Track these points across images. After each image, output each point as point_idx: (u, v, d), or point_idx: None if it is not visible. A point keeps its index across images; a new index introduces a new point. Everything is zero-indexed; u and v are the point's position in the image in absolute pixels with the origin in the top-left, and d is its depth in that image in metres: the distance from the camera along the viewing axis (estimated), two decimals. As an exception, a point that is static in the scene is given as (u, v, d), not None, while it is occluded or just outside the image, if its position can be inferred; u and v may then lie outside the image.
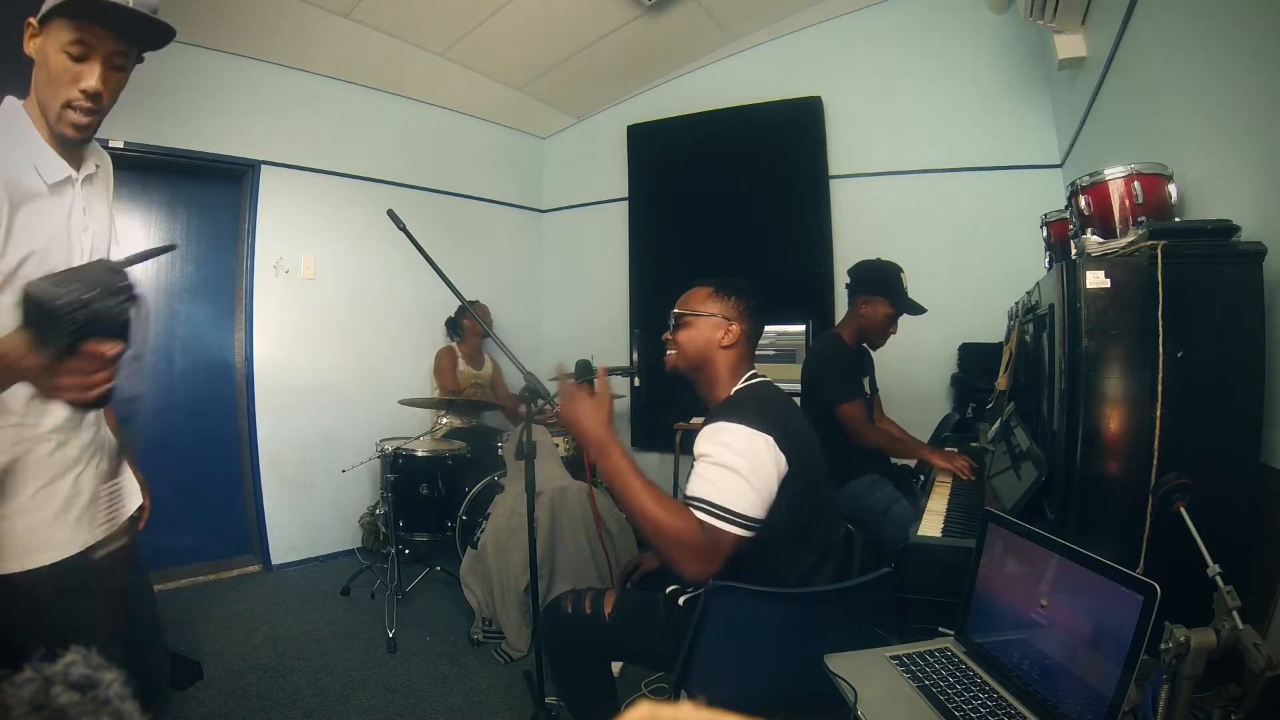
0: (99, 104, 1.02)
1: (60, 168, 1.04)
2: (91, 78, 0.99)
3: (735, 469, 1.22)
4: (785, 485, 1.26)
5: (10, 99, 1.04)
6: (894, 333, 2.42)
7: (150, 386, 3.03)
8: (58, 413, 1.05)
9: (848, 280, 2.46)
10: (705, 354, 1.45)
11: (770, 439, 1.25)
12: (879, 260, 2.42)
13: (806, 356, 2.70)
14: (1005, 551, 1.09)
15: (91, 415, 1.11)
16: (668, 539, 1.17)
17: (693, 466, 1.28)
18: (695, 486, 1.23)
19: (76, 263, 1.03)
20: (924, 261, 2.91)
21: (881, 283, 2.36)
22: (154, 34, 1.03)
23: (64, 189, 1.05)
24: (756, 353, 1.54)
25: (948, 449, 2.48)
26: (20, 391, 1.00)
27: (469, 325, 3.78)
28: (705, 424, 1.31)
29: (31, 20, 1.00)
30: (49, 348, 0.75)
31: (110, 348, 0.78)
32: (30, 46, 1.01)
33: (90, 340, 0.76)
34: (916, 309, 2.37)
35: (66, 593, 1.04)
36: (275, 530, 3.33)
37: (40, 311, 0.74)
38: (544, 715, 1.80)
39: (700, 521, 1.19)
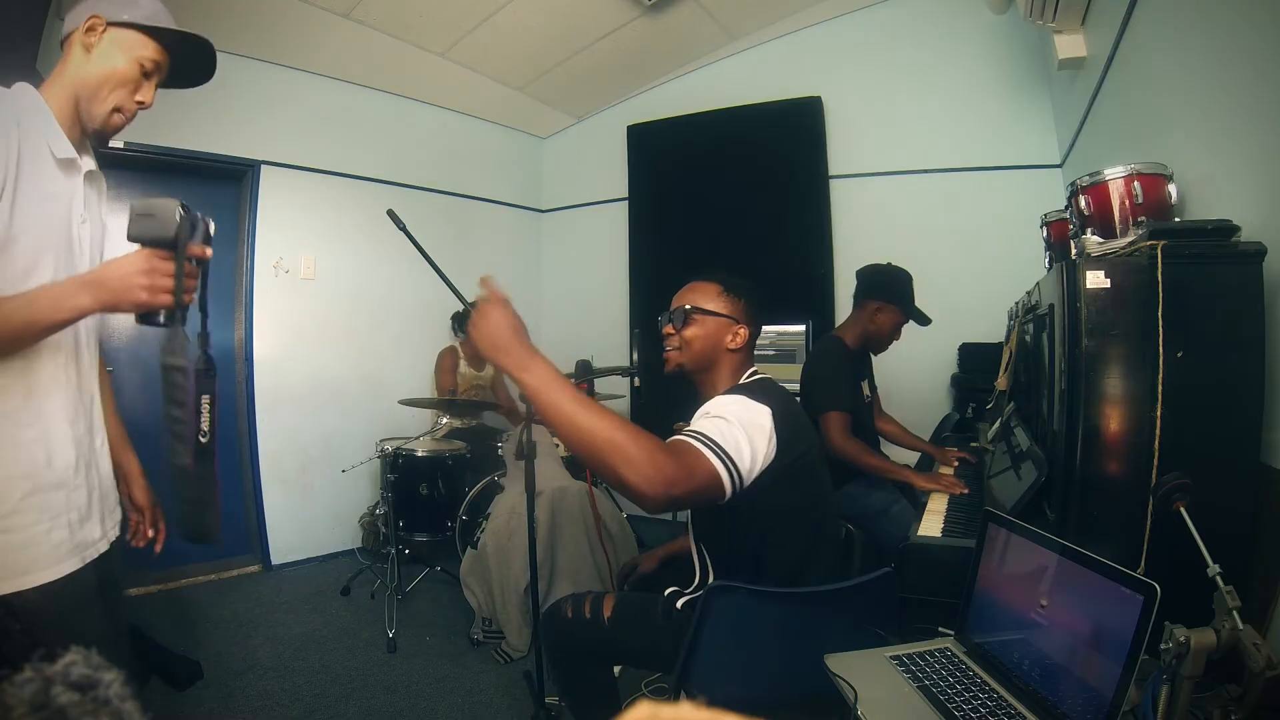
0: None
1: (69, 149, 1.06)
2: (150, 93, 1.10)
3: (733, 422, 1.16)
4: (771, 465, 1.21)
5: (24, 84, 1.05)
6: (898, 339, 2.41)
7: (150, 388, 3.03)
8: (42, 417, 1.01)
9: (856, 283, 2.43)
10: (712, 355, 1.41)
11: (769, 411, 1.22)
12: (890, 265, 2.37)
13: (807, 358, 2.70)
14: (1005, 551, 1.09)
15: (87, 421, 1.09)
16: (617, 441, 0.96)
17: None
18: (692, 425, 1.18)
19: (74, 247, 1.06)
20: (924, 261, 2.89)
21: (894, 291, 2.32)
22: (198, 75, 1.18)
23: (70, 172, 1.07)
24: (756, 353, 1.53)
25: (948, 448, 2.48)
26: (16, 387, 0.98)
27: (471, 325, 3.79)
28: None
29: (100, 17, 1.05)
30: (159, 246, 0.91)
31: (205, 250, 0.95)
32: (87, 39, 1.05)
33: (192, 242, 0.92)
34: (923, 319, 2.34)
35: (65, 613, 1.00)
36: (275, 530, 3.33)
37: (153, 211, 0.90)
38: (544, 715, 1.80)
39: (672, 445, 1.07)
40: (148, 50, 1.08)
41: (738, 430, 1.15)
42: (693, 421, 1.23)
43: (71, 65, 1.06)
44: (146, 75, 1.09)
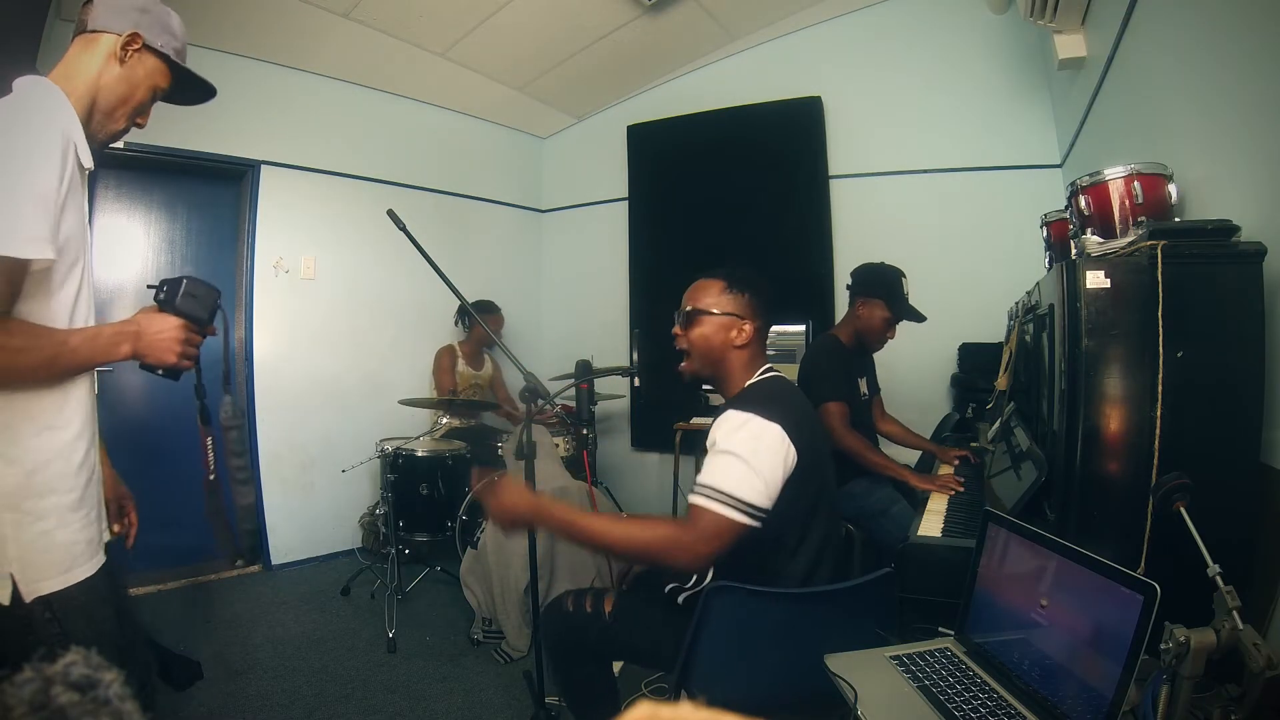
0: None
1: (90, 158, 1.06)
2: (148, 117, 1.16)
3: (743, 457, 1.20)
4: (792, 477, 1.24)
5: (38, 78, 1.03)
6: (892, 337, 2.40)
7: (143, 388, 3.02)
8: (78, 417, 1.04)
9: (849, 282, 2.45)
10: (719, 354, 1.42)
11: (781, 429, 1.24)
12: (881, 264, 2.40)
13: (804, 355, 2.71)
14: (1005, 551, 1.10)
15: (91, 427, 1.11)
16: (654, 543, 1.18)
17: (705, 455, 1.29)
18: (704, 474, 1.23)
19: (88, 254, 1.08)
20: (924, 261, 2.90)
21: (880, 285, 2.34)
22: (183, 101, 1.25)
23: (84, 178, 1.06)
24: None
25: (950, 448, 2.48)
26: (56, 392, 1.01)
27: (475, 328, 3.79)
28: (718, 414, 1.31)
29: (140, 36, 1.07)
30: (192, 320, 1.11)
31: (215, 329, 1.18)
32: (121, 54, 1.06)
33: (213, 324, 1.15)
34: (916, 316, 2.34)
35: (93, 606, 1.03)
36: (275, 530, 3.33)
37: (198, 294, 1.12)
38: (544, 715, 1.80)
39: (688, 514, 1.19)
40: (163, 81, 1.12)
41: (747, 467, 1.20)
42: (707, 444, 1.27)
43: (95, 69, 1.05)
44: (151, 100, 1.13)
